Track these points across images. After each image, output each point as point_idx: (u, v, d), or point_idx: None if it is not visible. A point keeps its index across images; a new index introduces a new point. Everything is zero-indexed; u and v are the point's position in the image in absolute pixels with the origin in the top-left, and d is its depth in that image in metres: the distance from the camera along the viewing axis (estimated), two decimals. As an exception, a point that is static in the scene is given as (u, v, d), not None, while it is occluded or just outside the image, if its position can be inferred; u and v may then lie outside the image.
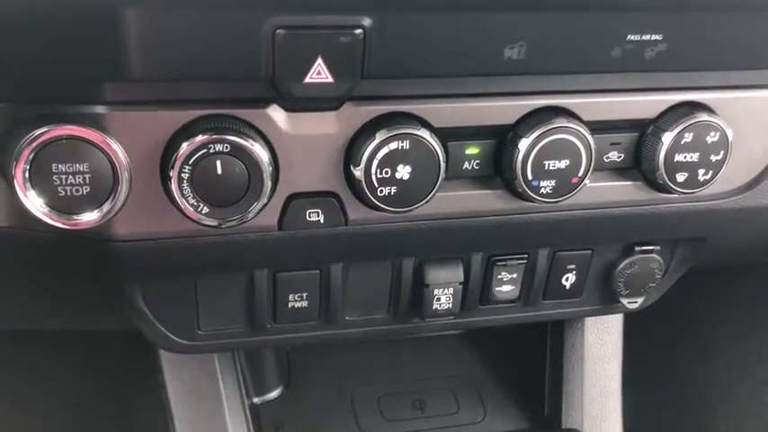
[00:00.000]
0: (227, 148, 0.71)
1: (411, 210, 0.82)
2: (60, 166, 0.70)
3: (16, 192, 0.69)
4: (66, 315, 1.15)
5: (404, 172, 0.80)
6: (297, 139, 0.74)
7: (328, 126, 0.75)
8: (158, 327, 0.91)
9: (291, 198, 0.77)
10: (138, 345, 1.16)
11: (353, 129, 0.80)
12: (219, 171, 0.70)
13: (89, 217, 0.72)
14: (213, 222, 0.76)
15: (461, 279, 0.98)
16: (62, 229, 0.71)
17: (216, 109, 0.72)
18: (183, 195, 0.71)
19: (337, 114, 0.79)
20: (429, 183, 0.81)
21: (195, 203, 0.73)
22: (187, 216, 0.72)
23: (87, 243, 0.77)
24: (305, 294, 0.91)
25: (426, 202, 0.82)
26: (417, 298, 0.94)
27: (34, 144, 0.69)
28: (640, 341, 1.30)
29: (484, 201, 0.87)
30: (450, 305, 0.98)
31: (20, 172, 0.69)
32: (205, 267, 0.83)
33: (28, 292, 0.97)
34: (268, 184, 0.76)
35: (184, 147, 0.70)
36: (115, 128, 0.70)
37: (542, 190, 0.84)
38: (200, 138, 0.70)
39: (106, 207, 0.72)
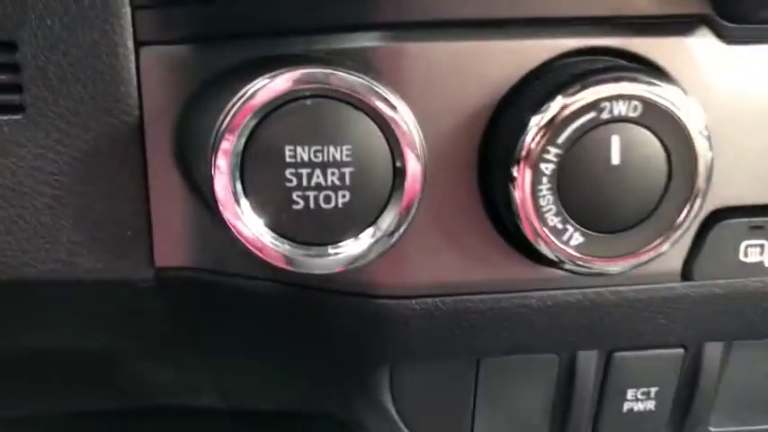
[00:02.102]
0: (633, 109, 0.33)
1: None
2: (299, 150, 0.39)
3: (214, 203, 0.40)
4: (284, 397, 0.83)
5: None
6: (739, 97, 0.43)
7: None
8: (408, 436, 0.63)
9: (713, 219, 0.45)
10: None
11: None
12: (616, 158, 0.38)
13: (347, 250, 0.41)
14: (591, 264, 0.38)
15: None
16: (293, 273, 0.42)
17: (599, 37, 0.41)
18: (538, 208, 0.33)
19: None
20: None
21: (561, 225, 0.36)
22: (538, 251, 0.35)
23: (325, 298, 0.46)
24: (653, 390, 0.59)
25: None
26: None
27: (248, 108, 0.39)
28: None
29: None
30: None
31: (225, 165, 0.40)
32: (509, 344, 0.52)
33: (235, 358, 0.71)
34: (703, 183, 0.38)
35: (552, 109, 0.32)
36: (401, 73, 0.41)
37: None
38: (579, 91, 0.33)
39: (382, 227, 0.41)
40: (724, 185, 0.44)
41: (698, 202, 0.40)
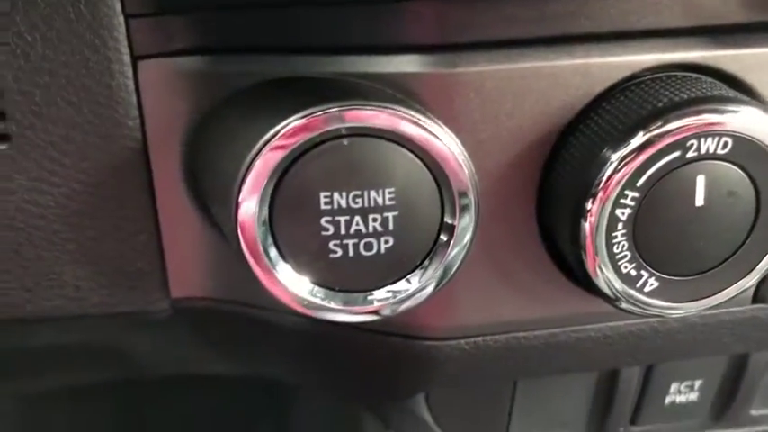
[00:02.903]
0: (723, 146, 0.28)
1: None
2: (336, 197, 0.35)
3: (239, 249, 0.35)
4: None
5: None
6: None
7: None
8: (445, 440, 0.53)
9: None
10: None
11: None
12: (700, 199, 0.34)
13: (391, 297, 0.37)
14: (663, 311, 0.35)
15: None
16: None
17: (677, 52, 0.36)
18: (612, 256, 0.29)
19: None
20: None
21: (635, 272, 0.32)
22: (604, 295, 0.36)
23: (365, 337, 0.42)
24: (697, 383, 0.57)
25: None
26: None
27: (276, 150, 0.34)
28: None
29: None
30: None
31: (251, 210, 0.34)
32: (559, 369, 0.49)
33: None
34: None
35: (632, 147, 0.27)
36: (450, 102, 0.35)
37: None
38: (662, 126, 0.27)
39: (427, 275, 0.37)
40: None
41: None
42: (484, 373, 0.44)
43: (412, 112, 0.34)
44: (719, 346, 0.46)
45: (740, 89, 0.36)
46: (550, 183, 0.36)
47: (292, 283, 0.35)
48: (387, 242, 0.36)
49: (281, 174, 0.34)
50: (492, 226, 0.37)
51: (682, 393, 0.58)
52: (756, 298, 0.41)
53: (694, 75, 0.36)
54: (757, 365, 0.55)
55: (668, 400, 0.58)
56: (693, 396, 0.58)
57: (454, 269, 0.36)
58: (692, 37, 0.36)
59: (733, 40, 0.36)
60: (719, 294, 0.36)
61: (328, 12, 0.35)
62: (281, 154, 0.34)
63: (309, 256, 0.36)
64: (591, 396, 0.56)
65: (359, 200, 0.35)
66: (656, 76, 0.35)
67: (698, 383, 0.57)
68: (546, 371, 0.46)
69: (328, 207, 0.35)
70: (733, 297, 0.37)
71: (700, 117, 0.32)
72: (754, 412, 0.61)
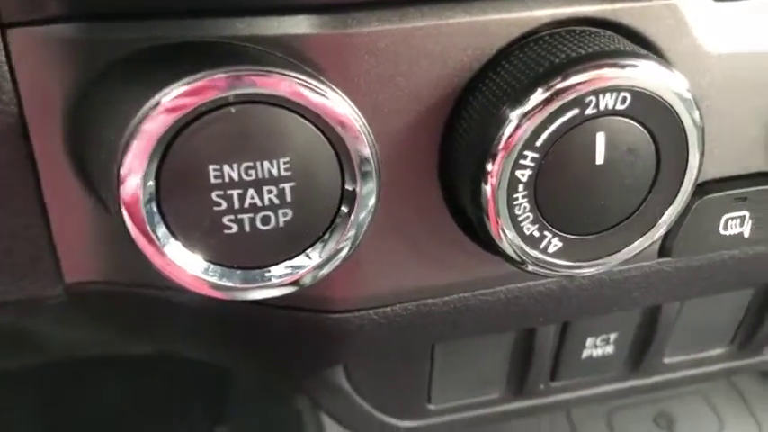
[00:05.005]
0: (622, 101, 0.27)
1: None
2: (227, 169, 0.32)
3: (126, 230, 0.33)
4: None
5: None
6: (726, 61, 0.37)
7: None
8: (366, 409, 0.57)
9: (695, 195, 0.40)
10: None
11: None
12: (601, 157, 0.33)
13: (293, 272, 0.35)
14: (568, 271, 0.34)
15: None
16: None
17: (576, 6, 0.34)
18: (514, 216, 0.28)
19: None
20: None
21: (538, 233, 0.31)
22: (510, 258, 0.36)
23: (273, 313, 0.41)
24: (612, 336, 0.57)
25: None
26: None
27: (159, 123, 0.31)
28: None
29: None
30: None
31: (134, 187, 0.32)
32: (472, 331, 0.48)
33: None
34: (694, 171, 0.34)
35: (530, 106, 0.27)
36: (345, 65, 0.33)
37: None
38: (560, 82, 0.27)
39: (329, 247, 0.35)
40: (709, 158, 0.39)
41: (687, 193, 0.35)
42: (398, 342, 0.44)
43: (304, 77, 0.32)
44: (629, 301, 0.46)
45: (639, 42, 0.35)
46: (451, 144, 0.35)
47: (185, 262, 0.33)
48: (285, 215, 0.34)
49: (166, 146, 0.32)
50: (394, 192, 0.36)
51: (598, 347, 0.58)
52: (662, 252, 0.41)
53: (593, 29, 0.35)
54: (668, 316, 0.56)
55: (585, 354, 0.58)
56: (609, 349, 0.58)
57: (357, 240, 0.35)
58: None
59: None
60: (623, 251, 0.36)
61: None
62: (163, 125, 0.32)
63: (201, 233, 0.34)
64: (509, 355, 0.56)
65: (252, 171, 0.33)
66: (554, 31, 0.34)
67: (613, 337, 0.57)
68: (460, 334, 0.45)
69: (219, 180, 0.33)
70: (638, 253, 0.37)
71: (597, 72, 0.31)
72: (667, 360, 0.63)
